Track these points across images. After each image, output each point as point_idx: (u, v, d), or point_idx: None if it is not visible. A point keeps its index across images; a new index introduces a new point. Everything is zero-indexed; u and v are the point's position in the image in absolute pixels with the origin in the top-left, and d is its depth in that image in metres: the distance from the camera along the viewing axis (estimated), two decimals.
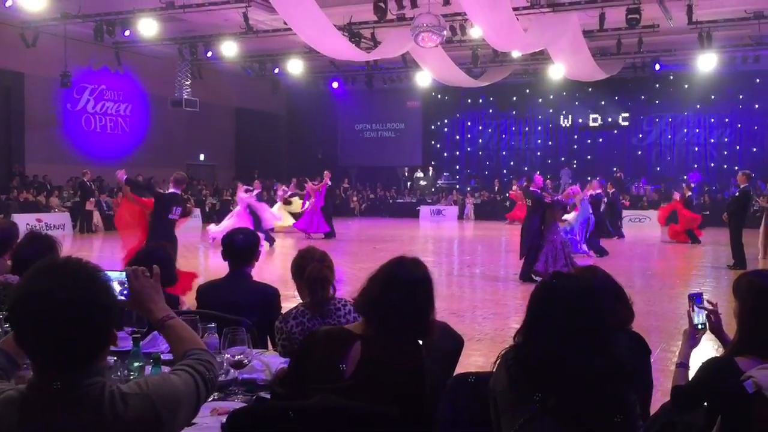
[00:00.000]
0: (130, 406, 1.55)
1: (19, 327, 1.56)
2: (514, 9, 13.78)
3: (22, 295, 1.54)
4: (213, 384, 1.80)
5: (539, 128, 27.71)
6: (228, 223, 14.68)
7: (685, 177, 24.38)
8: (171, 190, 8.74)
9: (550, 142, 27.63)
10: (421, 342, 2.60)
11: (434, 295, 2.52)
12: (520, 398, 2.02)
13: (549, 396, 1.97)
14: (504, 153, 28.44)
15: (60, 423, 1.52)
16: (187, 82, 23.13)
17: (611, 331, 2.13)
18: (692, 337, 2.62)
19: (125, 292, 1.97)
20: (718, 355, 2.71)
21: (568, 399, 1.97)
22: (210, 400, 2.45)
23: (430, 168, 29.29)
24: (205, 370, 1.77)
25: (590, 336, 2.01)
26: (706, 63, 19.08)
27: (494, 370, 2.14)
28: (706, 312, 2.62)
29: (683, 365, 2.59)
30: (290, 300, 3.82)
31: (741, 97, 24.65)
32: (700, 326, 2.60)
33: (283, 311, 3.45)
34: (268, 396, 2.58)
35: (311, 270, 3.25)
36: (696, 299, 2.62)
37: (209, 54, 19.49)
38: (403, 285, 2.43)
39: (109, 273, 2.08)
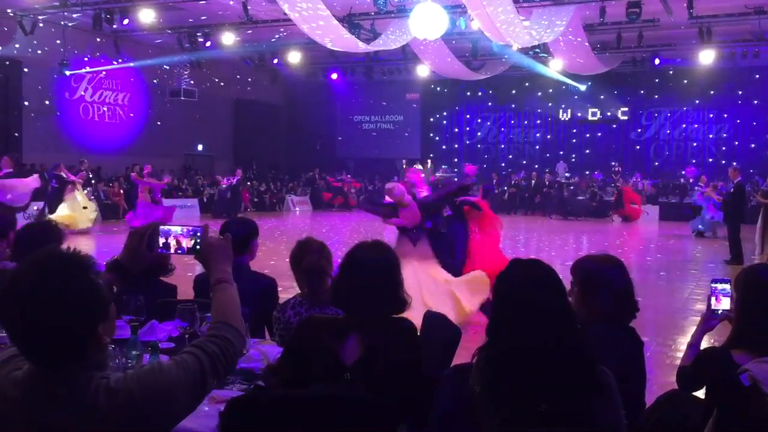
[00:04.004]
0: (111, 401, 1.55)
1: (2, 319, 1.57)
2: (515, 1, 13.74)
3: (4, 289, 1.54)
4: (227, 362, 1.77)
5: (538, 122, 27.63)
6: None
7: (683, 172, 24.40)
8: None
9: (548, 136, 27.57)
10: (417, 332, 2.61)
11: (398, 273, 2.52)
12: (496, 399, 1.96)
13: (524, 395, 1.90)
14: (503, 146, 28.38)
15: (43, 412, 1.53)
16: (186, 72, 23.08)
17: (572, 316, 2.03)
18: (707, 321, 2.62)
19: (199, 245, 2.03)
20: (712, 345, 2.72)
21: (540, 394, 1.89)
22: None
23: (429, 160, 29.25)
24: (216, 348, 1.74)
25: (549, 322, 1.94)
26: (706, 58, 19.06)
27: (473, 367, 2.08)
28: (728, 298, 2.59)
29: (693, 347, 2.60)
30: (289, 291, 3.83)
31: (740, 92, 24.56)
32: (720, 311, 2.59)
33: (281, 301, 3.48)
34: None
35: (309, 261, 3.29)
36: (719, 285, 2.60)
37: (208, 44, 19.42)
38: (363, 267, 2.47)
39: (188, 227, 2.08)
